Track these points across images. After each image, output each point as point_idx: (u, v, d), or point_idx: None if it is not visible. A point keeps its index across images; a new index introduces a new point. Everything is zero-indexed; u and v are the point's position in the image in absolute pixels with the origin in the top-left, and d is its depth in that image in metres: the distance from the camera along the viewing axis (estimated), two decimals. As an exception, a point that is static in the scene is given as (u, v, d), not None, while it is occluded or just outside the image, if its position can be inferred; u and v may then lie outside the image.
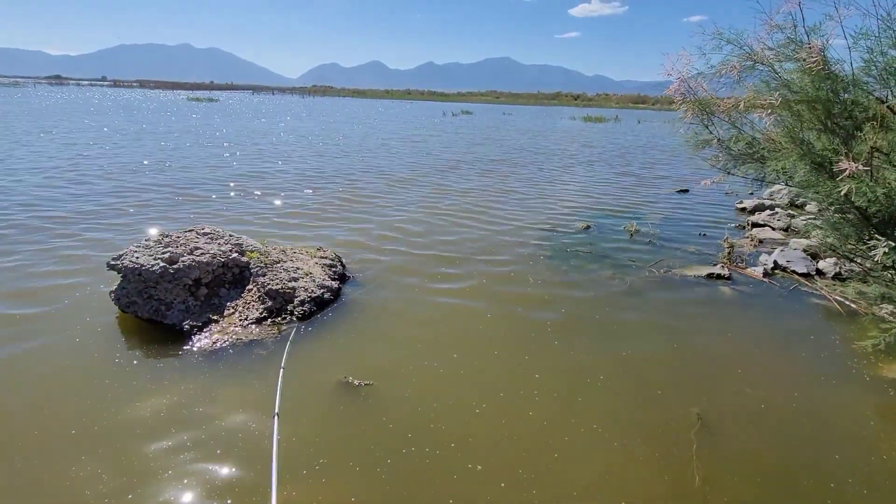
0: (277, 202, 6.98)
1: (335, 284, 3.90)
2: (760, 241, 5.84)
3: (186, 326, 3.20)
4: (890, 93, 2.28)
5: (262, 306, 3.49)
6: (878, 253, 1.90)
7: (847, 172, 1.66)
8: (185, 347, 3.06)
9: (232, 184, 8.12)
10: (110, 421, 2.38)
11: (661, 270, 4.71)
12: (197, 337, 3.17)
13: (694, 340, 3.43)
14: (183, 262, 3.47)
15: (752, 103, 2.70)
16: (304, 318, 3.48)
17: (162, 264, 3.38)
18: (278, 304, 3.52)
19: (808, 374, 3.05)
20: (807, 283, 4.55)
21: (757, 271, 4.76)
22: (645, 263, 4.91)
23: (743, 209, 7.67)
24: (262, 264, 3.79)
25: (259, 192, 7.54)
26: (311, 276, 3.81)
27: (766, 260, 5.00)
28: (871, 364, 3.11)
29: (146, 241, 3.67)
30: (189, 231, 3.91)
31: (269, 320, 3.41)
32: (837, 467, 2.28)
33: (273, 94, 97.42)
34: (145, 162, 9.85)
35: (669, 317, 3.77)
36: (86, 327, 3.25)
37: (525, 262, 4.83)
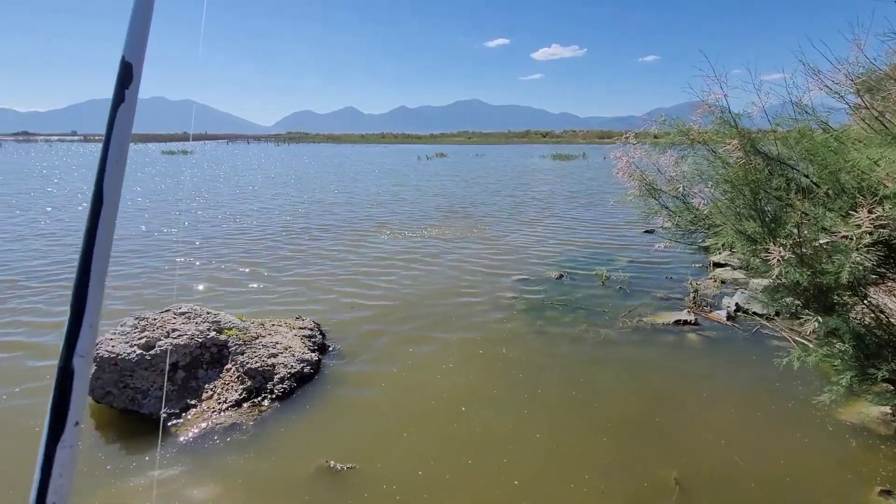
0: (247, 269, 6.99)
1: (315, 357, 3.92)
2: (723, 282, 6.13)
3: (164, 415, 3.16)
4: (811, 169, 2.55)
5: (241, 387, 3.48)
6: (808, 328, 2.10)
7: (774, 259, 1.86)
8: (162, 438, 3.01)
9: (194, 258, 8.11)
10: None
11: (633, 321, 4.89)
12: (174, 425, 3.12)
13: (667, 397, 3.56)
14: (160, 346, 3.46)
15: (693, 178, 2.96)
16: (284, 396, 3.48)
17: (138, 351, 3.36)
18: (257, 384, 3.52)
19: (779, 427, 3.18)
20: (767, 323, 4.79)
21: (721, 315, 4.99)
22: (617, 313, 5.09)
23: (705, 248, 8.03)
24: (240, 341, 3.79)
25: (231, 261, 7.55)
26: (290, 351, 3.83)
27: (729, 302, 5.25)
28: (832, 410, 3.28)
29: (122, 325, 3.65)
30: (166, 312, 3.91)
31: (249, 401, 3.39)
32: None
33: (248, 142, 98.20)
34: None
35: (643, 372, 3.90)
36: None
37: (501, 318, 4.95)
